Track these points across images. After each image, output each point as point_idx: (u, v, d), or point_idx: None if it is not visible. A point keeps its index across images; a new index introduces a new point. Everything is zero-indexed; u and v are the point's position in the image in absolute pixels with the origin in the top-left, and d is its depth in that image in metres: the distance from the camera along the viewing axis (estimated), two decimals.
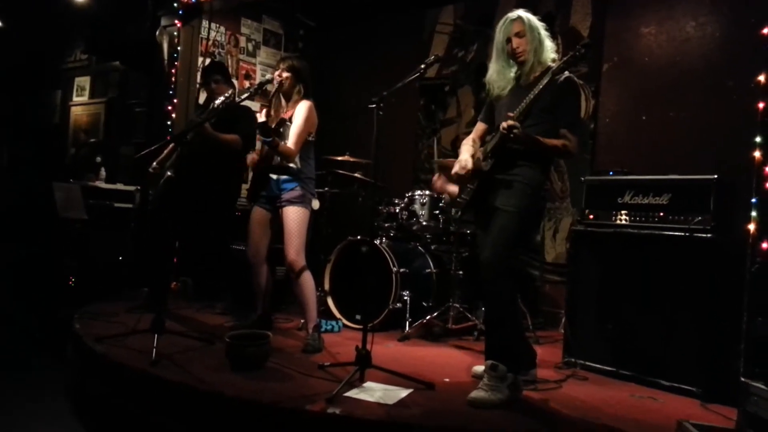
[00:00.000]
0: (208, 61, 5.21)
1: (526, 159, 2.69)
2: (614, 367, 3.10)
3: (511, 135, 2.52)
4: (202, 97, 4.91)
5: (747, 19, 3.72)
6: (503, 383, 2.53)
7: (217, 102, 3.30)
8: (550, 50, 2.74)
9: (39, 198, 5.03)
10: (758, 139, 2.47)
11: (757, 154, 2.46)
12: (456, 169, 2.79)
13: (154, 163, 3.89)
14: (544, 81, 2.58)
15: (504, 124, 2.52)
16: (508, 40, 2.72)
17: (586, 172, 4.24)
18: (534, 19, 2.73)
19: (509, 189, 2.67)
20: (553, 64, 2.65)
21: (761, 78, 2.52)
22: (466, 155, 2.79)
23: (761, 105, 2.50)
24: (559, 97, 2.64)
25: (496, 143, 2.68)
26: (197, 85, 5.23)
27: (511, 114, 2.58)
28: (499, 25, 2.78)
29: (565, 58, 2.58)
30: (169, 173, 3.70)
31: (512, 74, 2.80)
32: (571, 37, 4.73)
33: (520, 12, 2.74)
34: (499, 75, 2.81)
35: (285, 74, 3.39)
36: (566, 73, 2.66)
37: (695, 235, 2.87)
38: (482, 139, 2.93)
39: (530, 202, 2.68)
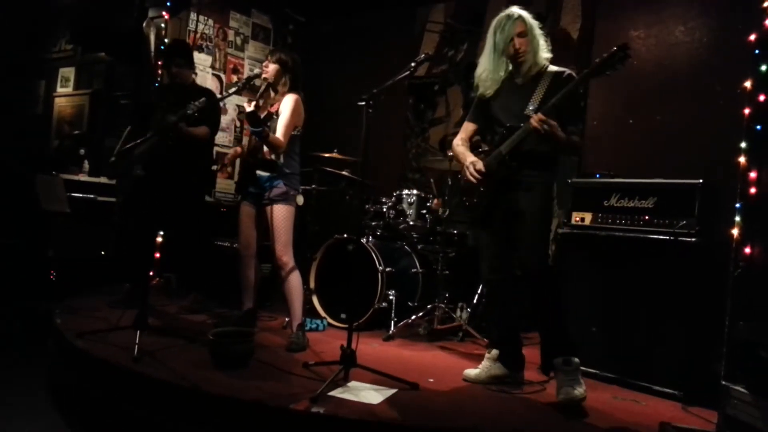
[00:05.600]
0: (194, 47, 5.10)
1: (540, 158, 2.68)
2: (598, 369, 3.12)
3: (543, 130, 2.47)
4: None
5: (734, 24, 3.76)
6: (578, 374, 2.57)
7: (191, 109, 3.09)
8: (545, 49, 2.73)
9: (21, 190, 4.95)
10: (743, 145, 2.49)
11: (742, 159, 2.47)
12: (470, 171, 2.72)
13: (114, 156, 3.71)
14: (548, 79, 2.60)
15: (535, 119, 2.47)
16: (510, 40, 2.67)
17: (572, 174, 4.25)
18: (531, 17, 2.71)
19: (531, 191, 2.65)
20: (548, 63, 2.70)
21: (747, 84, 2.54)
22: (471, 157, 2.77)
23: (747, 110, 2.51)
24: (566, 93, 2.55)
25: (515, 141, 2.62)
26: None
27: (531, 108, 2.58)
28: (496, 22, 2.72)
29: (603, 59, 2.43)
30: (138, 171, 3.62)
31: (503, 73, 2.78)
32: (561, 39, 4.75)
33: (519, 11, 2.70)
34: (491, 73, 2.77)
35: (272, 66, 3.36)
36: (567, 70, 2.66)
37: (680, 238, 2.89)
38: (471, 140, 2.92)
39: (550, 202, 2.76)
